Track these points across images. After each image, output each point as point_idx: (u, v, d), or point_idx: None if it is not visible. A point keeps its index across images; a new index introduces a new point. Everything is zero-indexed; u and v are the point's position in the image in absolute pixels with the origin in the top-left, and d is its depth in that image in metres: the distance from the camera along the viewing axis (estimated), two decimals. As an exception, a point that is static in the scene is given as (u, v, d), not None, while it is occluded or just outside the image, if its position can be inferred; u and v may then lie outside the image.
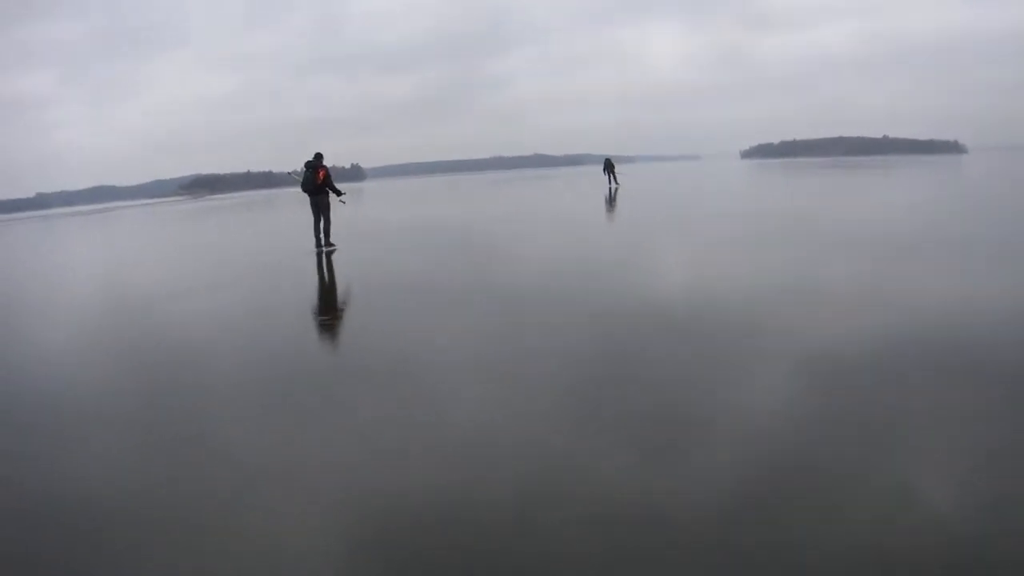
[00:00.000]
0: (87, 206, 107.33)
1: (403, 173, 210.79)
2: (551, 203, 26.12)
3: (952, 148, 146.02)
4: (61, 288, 12.34)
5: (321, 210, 12.62)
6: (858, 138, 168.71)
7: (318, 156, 12.69)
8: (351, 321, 7.31)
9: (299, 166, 12.83)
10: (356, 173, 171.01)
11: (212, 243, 19.43)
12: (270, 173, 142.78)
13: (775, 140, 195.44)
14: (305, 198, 12.84)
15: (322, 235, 12.63)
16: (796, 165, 63.25)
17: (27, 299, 11.13)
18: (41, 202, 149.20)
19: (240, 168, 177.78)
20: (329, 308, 8.00)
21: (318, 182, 12.44)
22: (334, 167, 12.55)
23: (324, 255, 12.11)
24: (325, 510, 3.09)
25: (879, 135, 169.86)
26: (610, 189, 30.13)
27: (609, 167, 32.61)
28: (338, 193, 12.79)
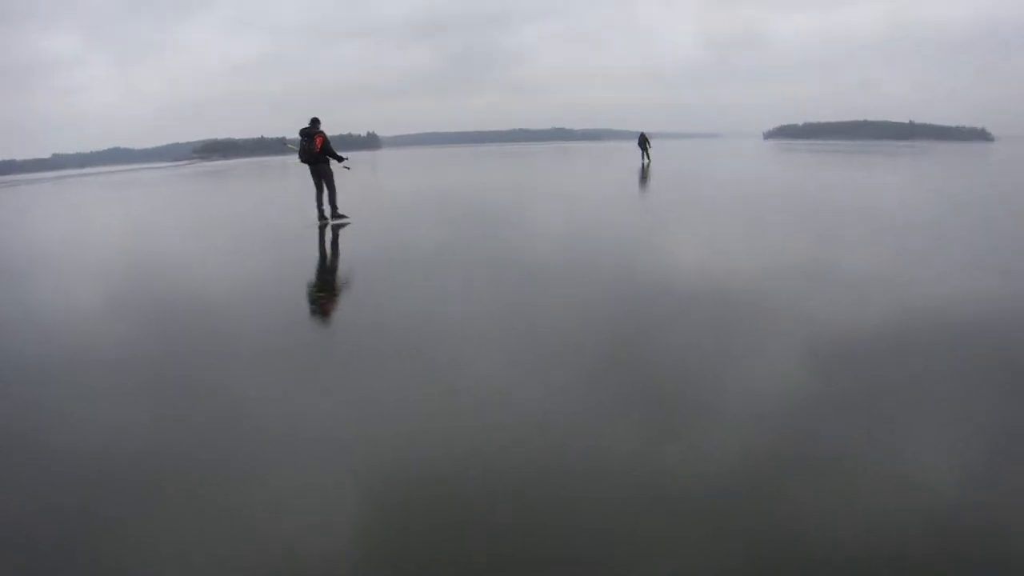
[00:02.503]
0: (96, 168, 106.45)
1: (419, 143, 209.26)
2: (581, 182, 23.91)
3: (979, 136, 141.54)
4: None
5: (323, 179, 11.54)
6: (884, 122, 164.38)
7: (314, 122, 11.45)
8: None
9: (293, 134, 11.64)
10: (371, 141, 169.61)
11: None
12: (284, 139, 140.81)
13: (799, 122, 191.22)
14: (304, 168, 11.61)
15: (326, 206, 11.67)
16: (827, 149, 59.87)
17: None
18: (57, 163, 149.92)
19: (255, 134, 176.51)
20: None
21: (316, 150, 11.25)
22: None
23: (330, 228, 11.25)
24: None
25: (905, 120, 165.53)
26: (643, 165, 29.41)
27: (643, 142, 31.67)
28: (339, 159, 11.55)
